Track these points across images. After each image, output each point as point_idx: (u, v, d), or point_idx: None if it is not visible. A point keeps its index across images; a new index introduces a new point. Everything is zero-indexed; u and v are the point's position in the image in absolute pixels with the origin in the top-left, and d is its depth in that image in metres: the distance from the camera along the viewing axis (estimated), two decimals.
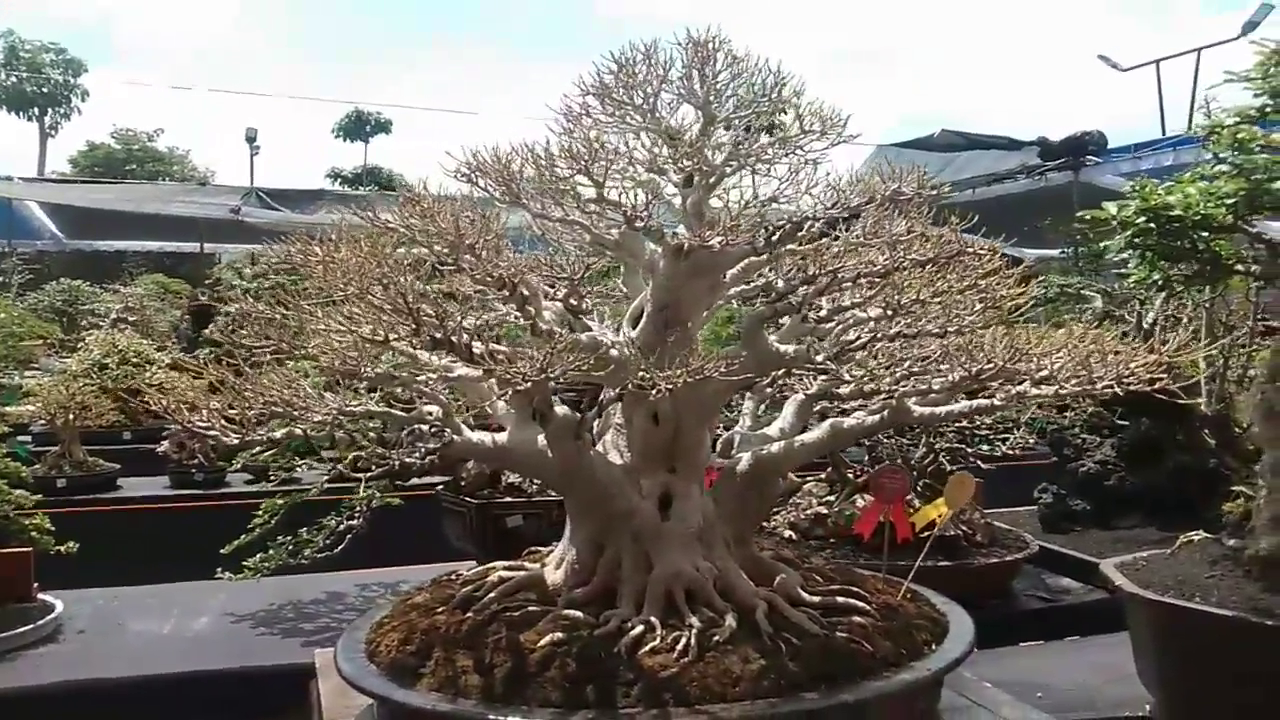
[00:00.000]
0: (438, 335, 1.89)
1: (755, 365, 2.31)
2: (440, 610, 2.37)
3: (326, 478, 4.06)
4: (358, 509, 4.00)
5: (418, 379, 2.18)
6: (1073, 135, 16.86)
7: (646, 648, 2.11)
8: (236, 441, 2.01)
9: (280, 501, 3.99)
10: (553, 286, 2.44)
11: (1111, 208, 3.00)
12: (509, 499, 4.05)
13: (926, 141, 18.92)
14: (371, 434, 2.15)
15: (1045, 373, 2.08)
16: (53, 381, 7.88)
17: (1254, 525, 2.94)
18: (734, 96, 2.27)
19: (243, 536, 3.99)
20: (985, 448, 4.55)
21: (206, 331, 10.85)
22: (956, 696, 2.57)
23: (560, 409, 2.20)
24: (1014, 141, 18.14)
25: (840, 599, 2.40)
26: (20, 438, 7.82)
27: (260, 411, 1.99)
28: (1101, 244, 3.42)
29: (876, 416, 2.37)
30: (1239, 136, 2.81)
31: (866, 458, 4.67)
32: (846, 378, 2.10)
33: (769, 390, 2.87)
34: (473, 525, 4.01)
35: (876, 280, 2.10)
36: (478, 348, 2.02)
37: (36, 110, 32.77)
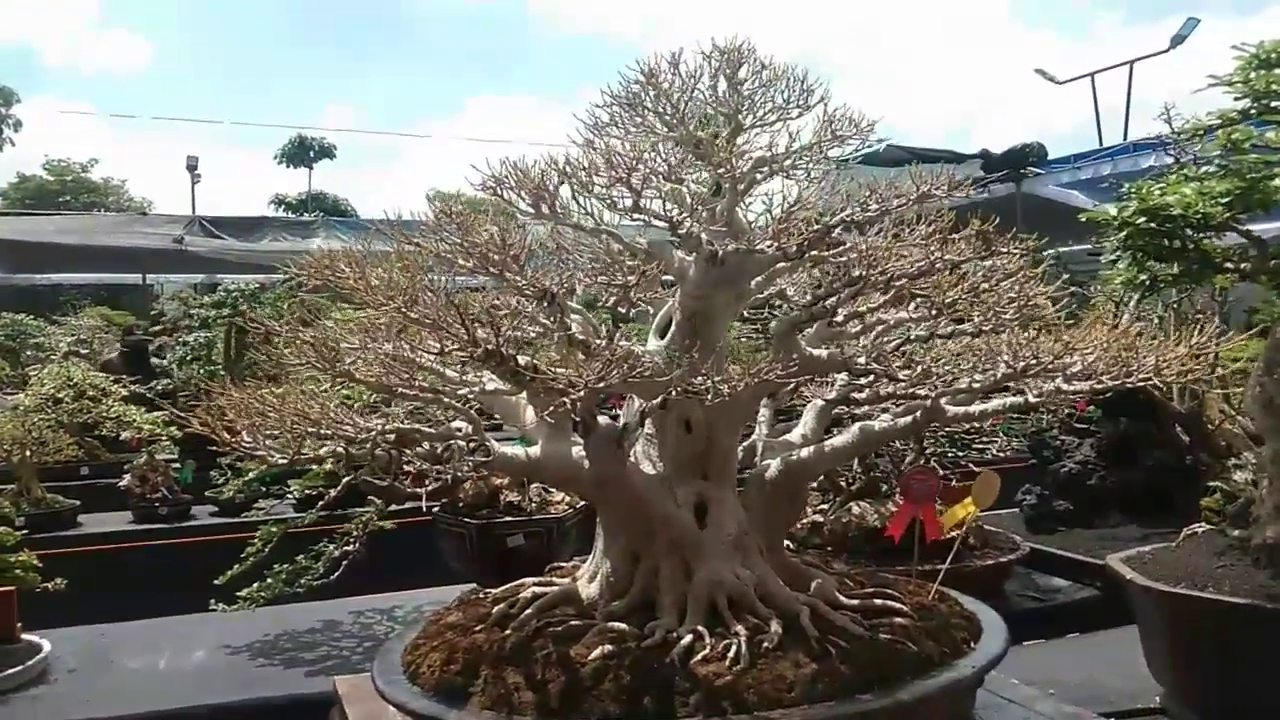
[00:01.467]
0: (489, 348, 1.87)
1: (790, 371, 2.31)
2: (478, 629, 2.34)
3: (322, 504, 4.00)
4: (356, 533, 3.92)
5: (459, 393, 2.15)
6: (1014, 148, 17.25)
7: (698, 656, 2.11)
8: (284, 460, 1.97)
9: (274, 529, 3.90)
10: (569, 296, 2.43)
11: (1111, 209, 3.07)
12: (509, 518, 4.01)
13: (873, 157, 19.02)
14: (420, 452, 2.11)
15: (1077, 368, 2.12)
16: (5, 417, 7.63)
17: (1258, 515, 3.01)
18: (762, 104, 2.28)
19: (235, 567, 3.89)
20: (963, 452, 4.61)
21: (164, 361, 10.64)
22: (990, 695, 2.59)
23: (602, 419, 2.19)
24: (958, 155, 18.47)
25: (878, 601, 2.41)
26: None
27: (303, 431, 1.95)
28: (1062, 250, 3.50)
29: (909, 418, 2.39)
30: (1233, 137, 2.89)
31: (858, 465, 4.70)
32: (901, 377, 2.11)
33: (785, 398, 2.88)
34: (473, 546, 3.96)
35: (910, 280, 2.12)
36: (522, 360, 2.00)
37: None
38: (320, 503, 3.91)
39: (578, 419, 2.09)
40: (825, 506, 4.54)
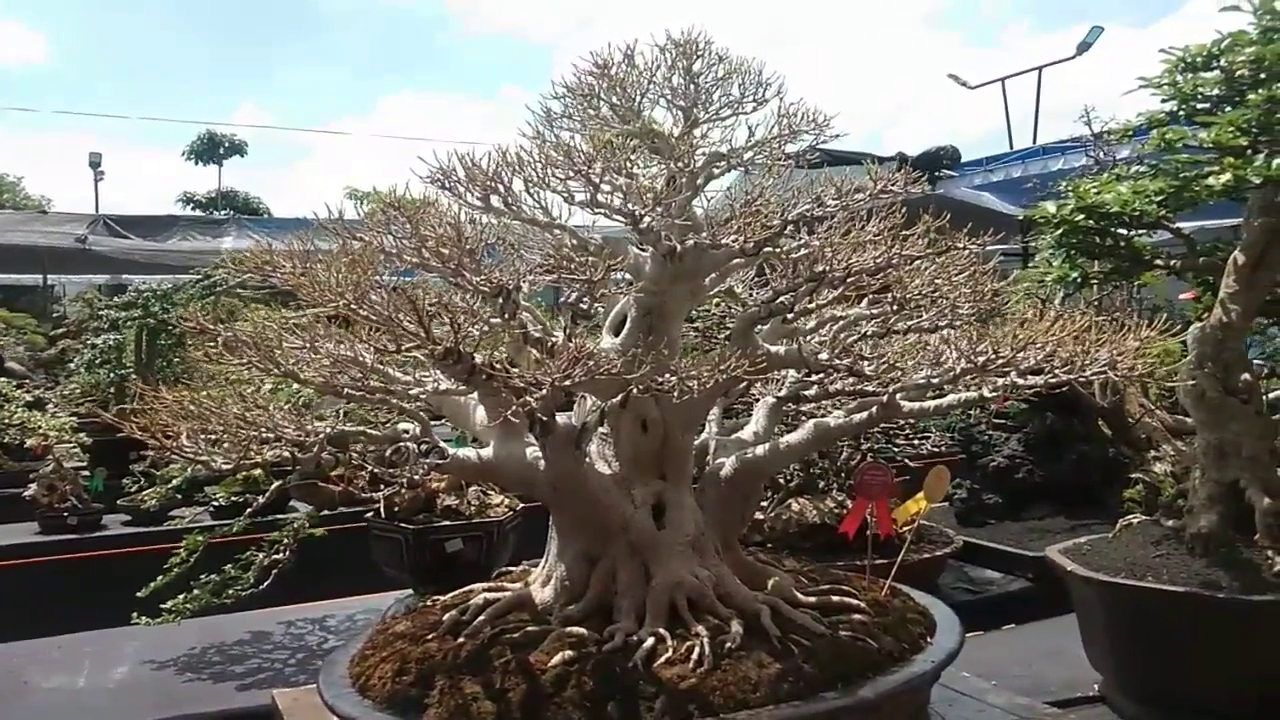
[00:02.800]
0: (448, 346, 1.79)
1: (747, 368, 2.28)
2: (429, 637, 2.26)
3: (251, 510, 3.85)
4: (285, 542, 3.78)
5: (409, 394, 2.07)
6: (929, 150, 17.61)
7: (661, 659, 2.06)
8: (228, 467, 1.87)
9: (200, 538, 3.73)
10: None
11: (1050, 207, 3.12)
12: (447, 522, 3.91)
13: (794, 157, 19.36)
14: (371, 454, 2.02)
15: (1032, 362, 2.13)
16: None
17: (1192, 505, 3.09)
18: (718, 98, 2.25)
19: (160, 578, 3.71)
20: (898, 448, 4.66)
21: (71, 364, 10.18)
22: (942, 689, 2.60)
23: (560, 418, 2.13)
24: (875, 157, 18.82)
25: (835, 598, 2.40)
26: None
27: (248, 435, 1.85)
28: (1026, 241, 3.55)
29: (865, 414, 2.38)
30: (1167, 137, 2.96)
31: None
32: (866, 373, 2.09)
33: (736, 395, 2.86)
34: (409, 551, 3.86)
35: (870, 276, 2.12)
36: (479, 358, 1.93)
37: None
38: (249, 510, 3.76)
39: (539, 419, 2.02)
40: (765, 504, 4.54)
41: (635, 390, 2.00)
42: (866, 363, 2.10)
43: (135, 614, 3.72)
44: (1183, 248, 3.39)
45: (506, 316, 2.09)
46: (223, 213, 25.20)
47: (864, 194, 2.20)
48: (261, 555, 3.69)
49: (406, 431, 2.30)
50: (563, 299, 2.09)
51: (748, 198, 2.16)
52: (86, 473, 7.22)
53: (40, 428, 7.97)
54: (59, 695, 3.38)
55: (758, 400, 2.76)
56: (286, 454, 1.92)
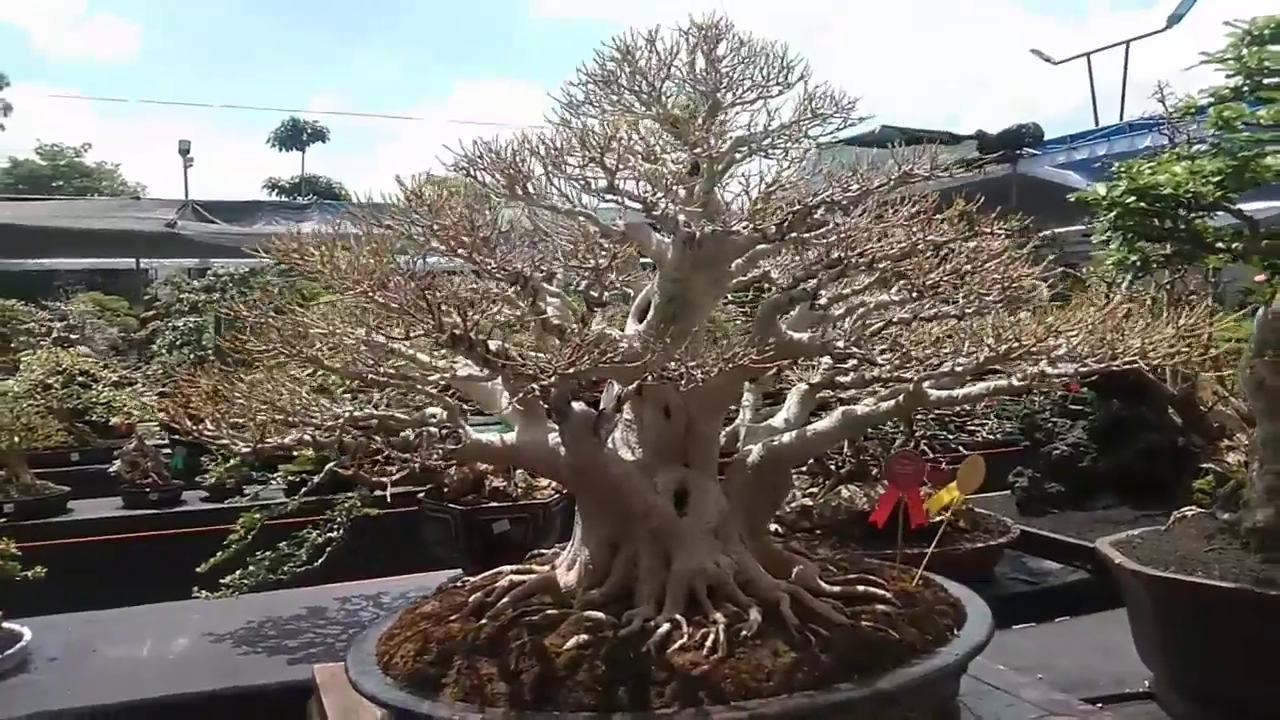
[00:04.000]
0: (458, 333, 1.82)
1: (770, 354, 2.27)
2: (453, 618, 2.30)
3: (306, 490, 3.97)
4: (339, 520, 3.88)
5: (429, 379, 2.10)
6: (1010, 128, 17.17)
7: (675, 646, 2.07)
8: (248, 449, 1.93)
9: (257, 516, 3.86)
10: (549, 281, 2.38)
11: (1101, 189, 3.02)
12: (494, 504, 3.97)
13: (868, 137, 19.07)
14: (385, 438, 2.06)
15: (1062, 350, 2.07)
16: None
17: (1249, 498, 2.97)
18: (741, 82, 2.23)
19: (219, 554, 3.85)
20: (952, 435, 4.57)
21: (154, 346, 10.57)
22: (975, 681, 2.56)
23: (578, 405, 2.14)
24: (953, 136, 18.38)
25: (860, 588, 2.38)
26: None
27: (268, 418, 1.90)
28: (1059, 230, 3.45)
29: (892, 403, 2.35)
30: (1224, 115, 2.84)
31: (847, 448, 4.65)
32: (880, 361, 2.06)
33: (769, 382, 2.84)
34: (458, 532, 3.93)
35: (893, 262, 2.08)
36: (493, 345, 1.95)
37: None
38: (304, 489, 3.87)
39: (556, 406, 2.04)
40: (815, 490, 4.51)
41: (649, 378, 2.00)
42: (882, 351, 2.06)
43: (196, 588, 3.88)
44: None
45: (527, 303, 2.11)
46: (305, 198, 25.79)
47: (885, 179, 2.15)
48: (315, 533, 3.79)
49: (434, 416, 2.34)
50: (574, 286, 2.10)
51: (762, 184, 2.13)
52: (168, 450, 7.50)
53: (124, 406, 8.30)
54: (122, 664, 3.53)
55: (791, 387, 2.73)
56: (306, 437, 1.97)
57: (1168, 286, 5.31)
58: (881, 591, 2.36)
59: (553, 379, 1.82)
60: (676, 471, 2.38)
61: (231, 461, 4.65)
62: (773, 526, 4.34)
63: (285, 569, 3.73)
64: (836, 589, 2.36)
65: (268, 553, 3.76)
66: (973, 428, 4.69)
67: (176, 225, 18.59)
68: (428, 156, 2.23)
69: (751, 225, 2.12)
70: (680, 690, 1.96)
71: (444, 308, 1.79)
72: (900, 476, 2.73)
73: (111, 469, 7.23)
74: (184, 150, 24.42)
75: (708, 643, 2.06)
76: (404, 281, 1.81)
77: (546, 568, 2.50)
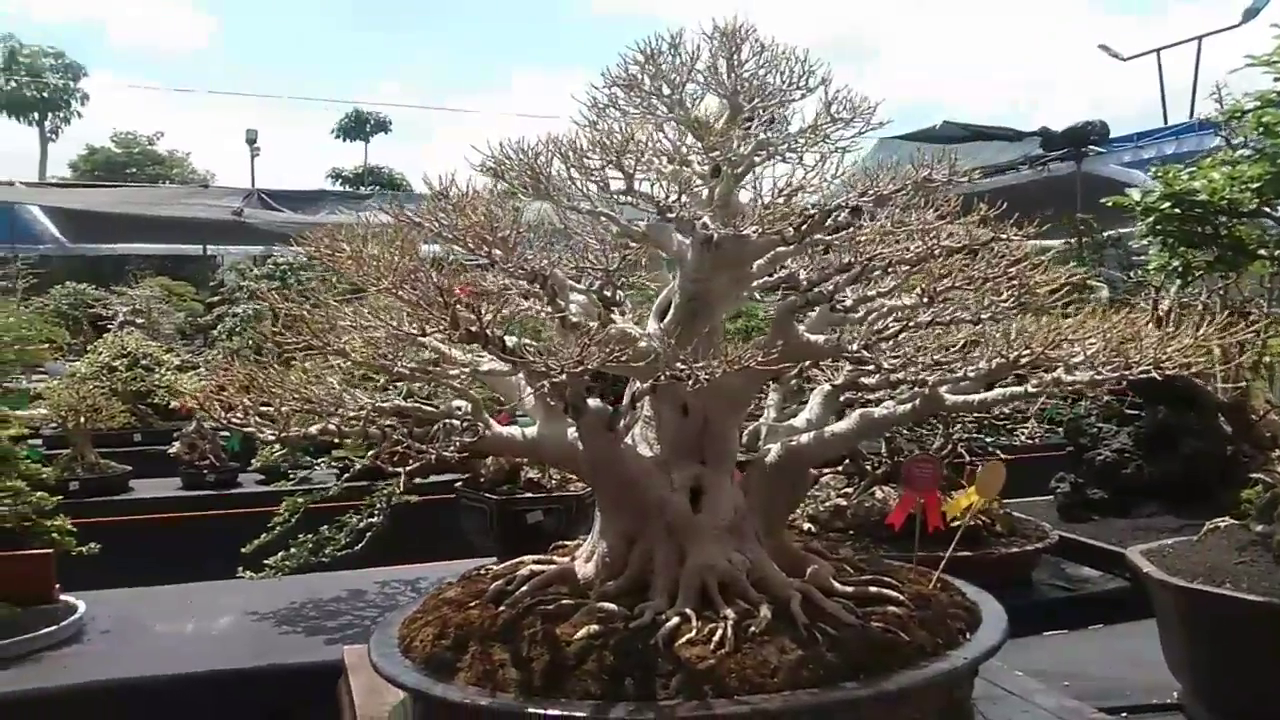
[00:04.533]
0: (473, 329, 1.88)
1: (786, 356, 2.29)
2: (473, 605, 2.37)
3: (348, 476, 4.08)
4: (379, 506, 3.99)
5: (449, 374, 2.17)
6: (1075, 125, 16.82)
7: (683, 639, 2.11)
8: (274, 437, 2.01)
9: (300, 500, 3.98)
10: (578, 279, 2.43)
11: (1135, 194, 3.00)
12: (529, 494, 4.04)
13: (928, 134, 18.90)
14: (404, 429, 2.14)
15: (1079, 358, 2.07)
16: (62, 384, 7.87)
17: None
18: (762, 86, 2.26)
19: (263, 535, 3.99)
20: (991, 438, 4.54)
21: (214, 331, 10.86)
22: (990, 686, 2.57)
23: (593, 402, 2.19)
24: (1017, 133, 18.10)
25: (874, 589, 2.40)
26: (31, 441, 7.81)
27: (294, 408, 1.98)
28: (1123, 231, 3.40)
29: (908, 406, 2.36)
30: (1264, 120, 2.80)
31: (884, 449, 4.65)
32: (886, 365, 2.08)
33: (794, 382, 2.86)
34: (493, 521, 4.01)
35: (909, 267, 2.09)
36: (510, 341, 2.01)
37: (36, 115, 32.75)
38: (346, 475, 3.99)
39: (567, 402, 2.09)
40: (850, 490, 4.51)
41: (662, 377, 2.04)
42: (894, 355, 2.08)
43: (241, 568, 4.02)
44: None
45: (544, 302, 2.16)
46: (368, 188, 26.21)
47: (900, 184, 2.16)
48: (355, 518, 3.90)
49: (459, 409, 2.41)
50: (587, 285, 2.14)
51: (774, 188, 2.16)
52: (225, 433, 7.72)
53: (185, 390, 8.55)
54: (168, 639, 3.67)
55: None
56: (332, 427, 2.04)
57: (1221, 293, 5.21)
58: (894, 593, 2.37)
59: (562, 375, 1.87)
60: (693, 469, 2.42)
61: (279, 448, 4.77)
62: (806, 525, 4.38)
63: (326, 552, 3.83)
64: (849, 589, 2.38)
65: (310, 536, 3.87)
66: (1013, 430, 4.64)
67: (243, 213, 19.03)
68: (484, 146, 2.29)
69: (768, 228, 2.14)
70: (685, 683, 2.01)
71: (461, 304, 1.85)
72: (917, 480, 2.74)
73: (171, 450, 7.46)
74: (251, 140, 24.99)
75: (715, 637, 2.10)
76: (423, 278, 1.87)
77: (567, 559, 2.56)
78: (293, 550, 3.83)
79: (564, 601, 2.29)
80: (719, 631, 2.12)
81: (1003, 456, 4.62)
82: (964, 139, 18.88)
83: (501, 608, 2.32)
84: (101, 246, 20.17)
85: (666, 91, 2.26)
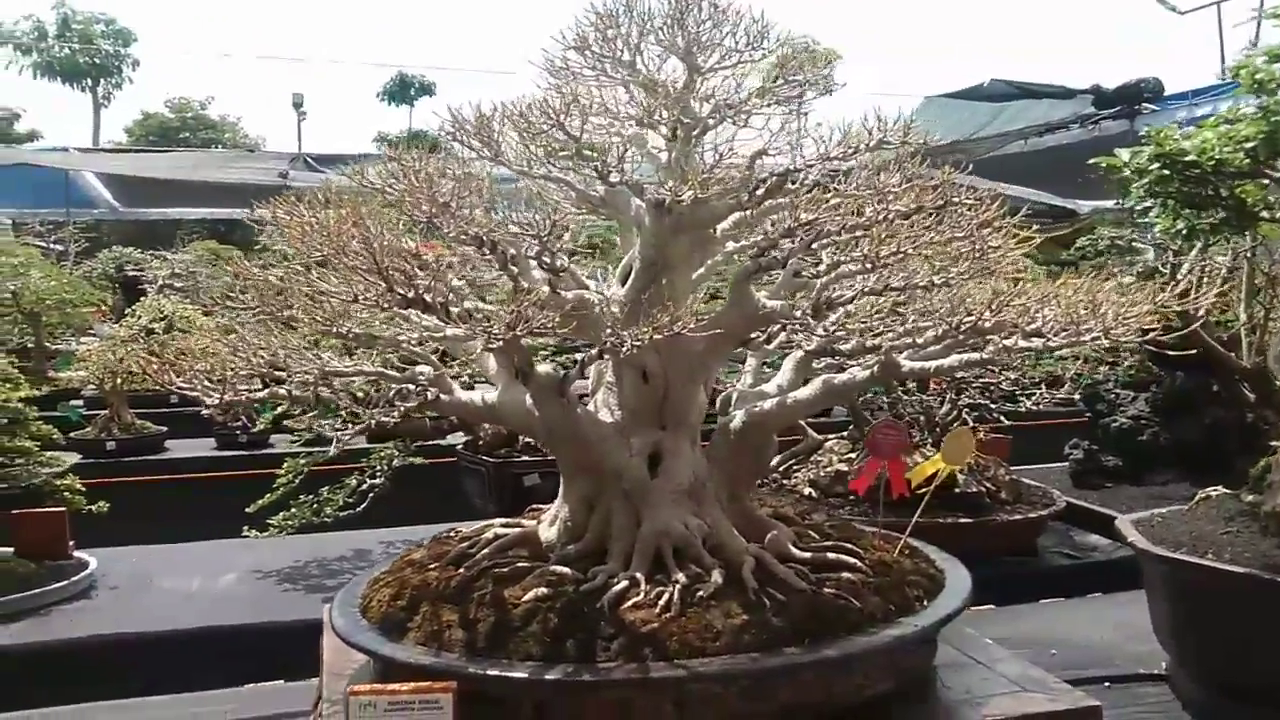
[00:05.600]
0: (409, 294, 1.89)
1: (741, 321, 2.28)
2: (433, 566, 2.40)
3: (348, 438, 4.14)
4: (379, 468, 4.06)
5: (400, 339, 2.18)
6: (1128, 83, 16.32)
7: (629, 603, 2.12)
8: (218, 400, 2.05)
9: (302, 461, 4.06)
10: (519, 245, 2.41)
11: (1124, 154, 2.90)
12: (526, 458, 4.07)
13: (976, 91, 18.52)
14: (348, 393, 2.16)
15: (1035, 325, 2.03)
16: (101, 346, 8.07)
17: (1272, 481, 2.86)
18: (717, 46, 2.22)
19: (267, 496, 4.07)
20: (1002, 405, 4.47)
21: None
22: (958, 654, 2.54)
23: (543, 367, 2.20)
24: (1067, 90, 17.62)
25: (831, 555, 2.39)
26: (72, 402, 8.05)
27: (243, 372, 2.02)
28: (1123, 193, 3.31)
29: (867, 372, 2.33)
30: (1258, 77, 2.69)
31: (889, 415, 4.60)
32: (820, 332, 2.06)
33: (770, 347, 2.84)
34: (491, 484, 4.05)
35: (854, 234, 2.06)
36: (456, 307, 2.01)
37: (89, 81, 33.38)
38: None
39: (516, 367, 2.10)
40: (853, 456, 4.48)
41: (609, 342, 2.04)
42: (842, 320, 2.05)
43: (246, 527, 4.12)
44: None
45: (499, 266, 2.17)
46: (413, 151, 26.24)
47: (847, 149, 2.12)
48: (354, 480, 3.97)
49: (422, 374, 2.44)
50: (524, 252, 2.13)
51: (730, 150, 2.13)
52: None
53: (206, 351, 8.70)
54: (172, 595, 3.78)
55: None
56: (282, 391, 2.08)
57: (1248, 255, 5.05)
58: (852, 560, 2.36)
59: (501, 339, 1.88)
60: (652, 434, 2.42)
61: (279, 409, 4.86)
62: (807, 490, 4.36)
63: (325, 512, 3.91)
64: (806, 555, 2.38)
65: (309, 496, 3.95)
66: (1020, 397, 4.57)
67: (288, 176, 19.22)
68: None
69: (716, 192, 2.12)
70: (626, 646, 2.02)
71: (391, 270, 1.86)
72: (881, 446, 2.71)
73: (205, 411, 7.60)
74: (297, 104, 25.19)
75: (661, 601, 2.11)
76: (355, 245, 1.88)
77: (534, 522, 2.58)
78: (293, 510, 3.91)
79: (519, 564, 2.31)
80: (665, 595, 2.13)
81: (1006, 422, 4.57)
82: (1012, 96, 18.47)
83: (460, 570, 2.34)
84: (152, 211, 20.51)
85: (622, 53, 2.23)
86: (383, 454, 4.07)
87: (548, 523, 2.53)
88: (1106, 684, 3.03)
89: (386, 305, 1.89)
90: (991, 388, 4.45)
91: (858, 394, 2.33)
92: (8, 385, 3.87)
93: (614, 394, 2.49)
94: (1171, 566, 2.80)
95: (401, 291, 1.88)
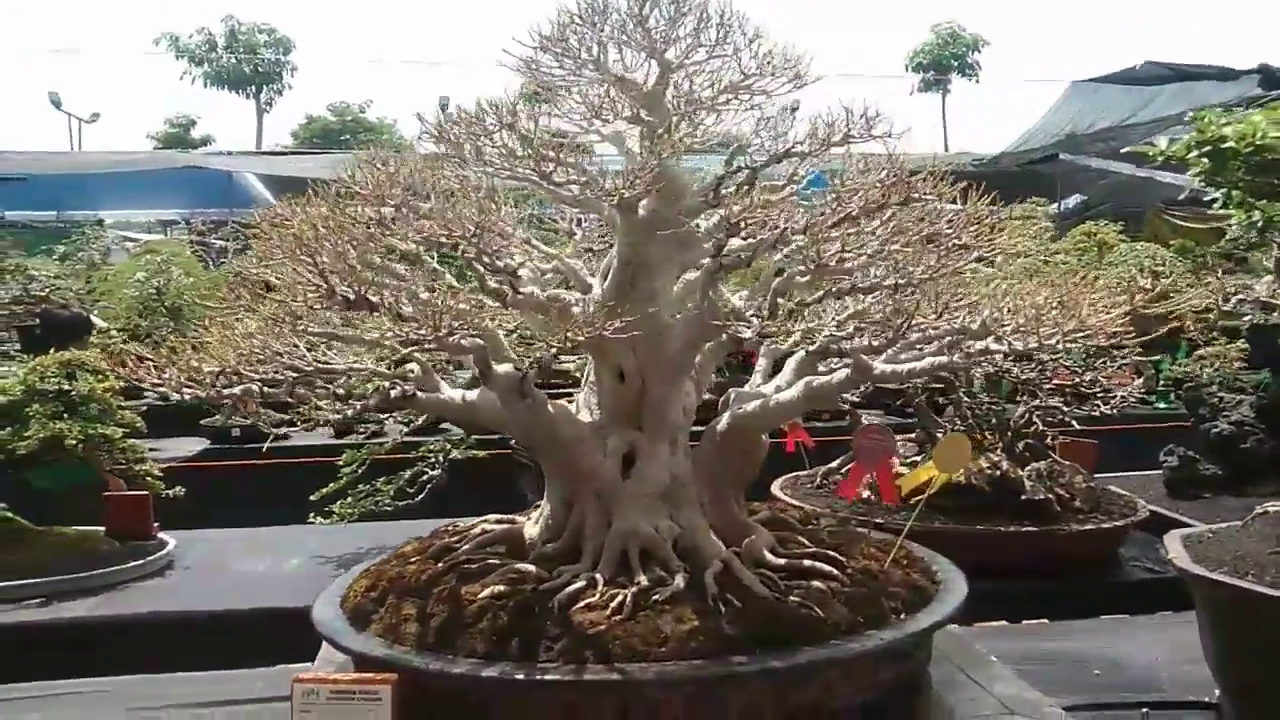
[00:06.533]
0: (350, 297, 1.94)
1: (708, 321, 2.24)
2: (414, 560, 2.46)
3: (406, 432, 4.31)
4: (436, 460, 4.18)
5: (353, 336, 2.21)
6: None
7: (582, 604, 2.12)
8: (191, 398, 2.15)
9: (362, 452, 4.22)
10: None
11: (1161, 143, 2.70)
12: None
13: (1128, 75, 17.55)
14: (329, 391, 2.23)
15: (1010, 327, 1.91)
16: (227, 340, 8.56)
17: None
18: (681, 39, 2.18)
19: (330, 485, 4.25)
20: (1078, 407, 4.22)
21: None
22: (955, 670, 2.43)
23: (502, 367, 2.22)
24: (1229, 71, 16.47)
25: (807, 562, 2.32)
26: None
27: (216, 370, 2.11)
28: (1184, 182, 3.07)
29: (844, 374, 2.25)
30: None
31: (957, 420, 4.41)
32: (766, 331, 2.01)
33: (780, 347, 2.78)
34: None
35: (804, 234, 1.99)
36: (408, 310, 2.05)
37: (253, 88, 35.50)
38: (405, 431, 4.21)
39: (476, 367, 2.13)
40: (918, 460, 4.32)
41: (582, 342, 2.04)
42: (784, 322, 1.99)
43: (311, 514, 4.31)
44: None
45: (467, 266, 2.20)
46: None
47: (813, 143, 2.04)
48: (408, 472, 4.10)
49: (412, 372, 2.49)
50: (460, 254, 2.14)
51: (684, 145, 2.09)
52: None
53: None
54: (240, 577, 3.98)
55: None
56: (254, 387, 2.16)
57: None
58: (828, 568, 2.29)
59: (430, 341, 1.91)
60: (628, 435, 2.40)
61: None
62: (865, 494, 4.23)
63: (375, 500, 4.06)
64: (780, 562, 2.32)
65: (364, 486, 4.11)
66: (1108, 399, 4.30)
67: None
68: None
69: (683, 191, 2.09)
70: (568, 647, 2.02)
71: (330, 272, 1.91)
72: (865, 451, 2.60)
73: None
74: (443, 105, 26.05)
75: (613, 604, 2.10)
76: (301, 248, 1.94)
77: (525, 519, 2.61)
78: (349, 499, 4.07)
79: (490, 561, 2.34)
80: (619, 598, 2.11)
81: (1076, 427, 4.32)
82: (1168, 79, 17.38)
83: (439, 564, 2.39)
84: None
85: (590, 51, 2.22)
86: (434, 447, 4.18)
87: (533, 521, 2.55)
88: (1145, 710, 2.83)
89: (328, 306, 1.94)
90: (1069, 391, 4.21)
91: (834, 395, 2.24)
92: (97, 377, 4.16)
93: (595, 394, 2.49)
94: (1209, 587, 2.59)
95: (344, 293, 1.93)
